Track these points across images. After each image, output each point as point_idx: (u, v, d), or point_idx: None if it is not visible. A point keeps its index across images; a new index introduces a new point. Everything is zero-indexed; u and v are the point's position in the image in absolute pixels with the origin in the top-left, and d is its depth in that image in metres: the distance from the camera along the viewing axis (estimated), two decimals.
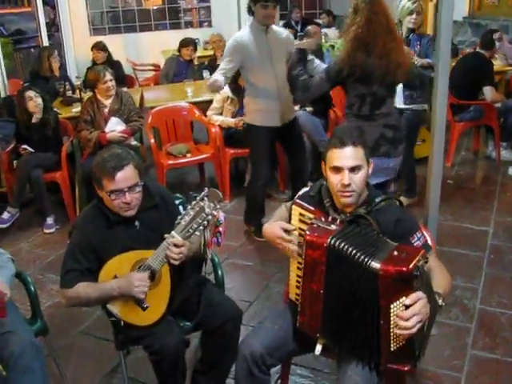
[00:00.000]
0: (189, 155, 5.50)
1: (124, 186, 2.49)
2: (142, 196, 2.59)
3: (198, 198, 2.45)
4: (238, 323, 2.72)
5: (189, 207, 2.46)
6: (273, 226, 2.39)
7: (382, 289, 1.98)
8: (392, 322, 1.99)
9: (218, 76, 4.22)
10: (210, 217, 2.44)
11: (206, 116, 5.65)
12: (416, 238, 2.27)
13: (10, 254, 2.91)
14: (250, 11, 4.23)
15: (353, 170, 2.25)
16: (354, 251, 2.05)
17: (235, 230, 4.74)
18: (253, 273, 4.19)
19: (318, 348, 2.32)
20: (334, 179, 2.28)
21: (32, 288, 2.96)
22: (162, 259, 2.50)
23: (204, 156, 5.56)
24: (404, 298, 1.95)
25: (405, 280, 1.95)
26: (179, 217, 2.48)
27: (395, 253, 2.03)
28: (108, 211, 2.58)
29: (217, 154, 5.48)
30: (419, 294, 1.96)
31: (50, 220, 5.05)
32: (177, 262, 2.49)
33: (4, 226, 5.00)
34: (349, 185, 2.24)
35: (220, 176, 5.54)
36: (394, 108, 3.69)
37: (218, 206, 2.49)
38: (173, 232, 2.47)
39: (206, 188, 2.50)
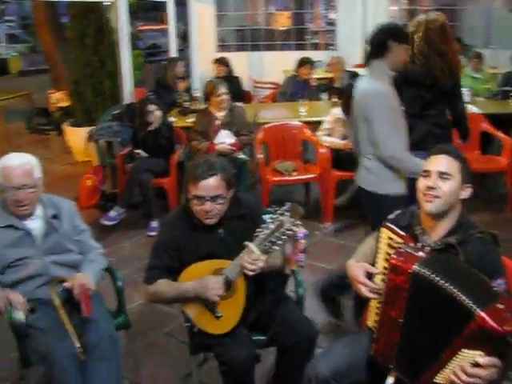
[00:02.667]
0: (295, 173, 5.49)
1: (206, 195, 2.52)
2: (226, 206, 2.61)
3: (278, 212, 2.43)
4: (313, 343, 2.66)
5: (268, 221, 2.44)
6: (357, 269, 2.30)
7: (467, 332, 1.85)
8: (452, 364, 1.88)
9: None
10: (289, 232, 2.41)
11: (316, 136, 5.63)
12: (496, 284, 2.10)
13: (102, 249, 3.05)
14: (382, 51, 3.20)
15: (441, 176, 2.21)
16: (443, 281, 1.93)
17: (331, 252, 4.66)
18: (343, 297, 4.08)
19: (390, 381, 2.21)
20: (421, 183, 2.24)
21: (120, 283, 3.07)
22: (239, 270, 2.50)
23: (310, 176, 5.53)
24: (480, 352, 1.83)
25: (494, 339, 1.81)
26: (258, 229, 2.47)
27: (500, 306, 1.86)
28: (192, 215, 2.63)
29: (323, 175, 5.43)
30: (496, 361, 1.82)
31: (154, 223, 5.21)
32: (251, 273, 2.48)
33: (110, 223, 5.23)
34: (434, 188, 2.18)
35: (324, 197, 5.48)
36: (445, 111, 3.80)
37: (299, 222, 2.45)
38: (250, 244, 2.47)
39: (288, 203, 2.48)
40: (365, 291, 2.24)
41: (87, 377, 2.54)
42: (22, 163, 2.72)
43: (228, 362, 2.48)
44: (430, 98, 3.67)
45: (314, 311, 3.00)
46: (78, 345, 2.53)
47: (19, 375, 3.09)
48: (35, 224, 2.82)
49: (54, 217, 2.87)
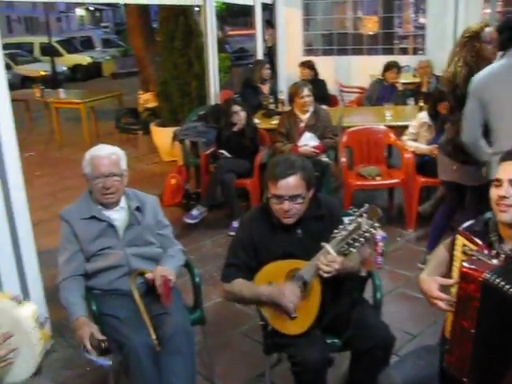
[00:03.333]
0: (378, 178, 5.38)
1: (285, 194, 2.50)
2: (305, 206, 2.58)
3: (356, 214, 2.38)
4: (389, 350, 2.58)
5: (346, 222, 2.40)
6: (429, 283, 2.19)
7: None
8: None
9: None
10: (366, 234, 2.36)
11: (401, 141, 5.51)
12: None
13: (181, 246, 3.10)
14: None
15: None
16: None
17: (412, 259, 4.52)
18: (423, 307, 3.91)
19: None
20: (494, 193, 2.14)
21: (197, 279, 3.10)
22: (315, 271, 2.47)
23: (393, 181, 5.40)
24: None
25: None
26: (335, 231, 2.43)
27: None
28: (271, 214, 2.62)
29: (407, 181, 5.29)
30: None
31: (235, 223, 5.23)
32: (326, 275, 2.44)
33: (192, 221, 5.30)
34: (506, 198, 2.08)
35: (407, 203, 5.34)
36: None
37: (377, 224, 2.39)
38: (327, 245, 2.43)
39: (367, 204, 2.42)
40: (442, 305, 2.14)
41: (161, 369, 2.58)
42: (110, 153, 2.86)
43: (300, 363, 2.45)
44: None
45: (392, 317, 2.91)
46: (154, 336, 2.58)
47: None
48: (119, 215, 2.92)
49: (138, 209, 2.96)
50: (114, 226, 2.87)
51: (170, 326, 2.65)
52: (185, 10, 7.49)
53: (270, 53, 11.05)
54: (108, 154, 2.85)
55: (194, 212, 5.33)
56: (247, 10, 10.11)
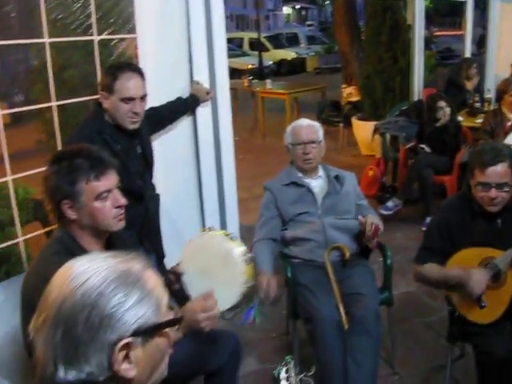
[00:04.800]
0: None
1: (492, 181, 2.46)
2: (510, 195, 2.53)
3: None
4: None
5: None
6: None
7: None
8: None
9: None
10: None
11: None
12: None
13: None
14: None
15: None
16: None
17: None
18: None
19: None
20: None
21: (389, 261, 3.14)
22: (511, 262, 2.41)
23: None
24: None
25: None
26: None
27: None
28: (472, 202, 2.60)
29: None
30: None
31: (429, 219, 5.17)
32: None
33: (386, 213, 5.33)
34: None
35: None
36: None
37: None
38: None
39: None
40: None
41: (348, 346, 2.66)
42: (310, 124, 3.16)
43: (486, 352, 2.42)
44: None
45: None
46: (343, 314, 2.68)
47: (285, 329, 3.40)
48: (317, 183, 3.13)
49: (337, 178, 3.14)
50: (313, 193, 3.06)
51: (361, 308, 2.73)
52: (392, 5, 7.49)
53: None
54: (308, 124, 3.14)
55: (390, 204, 5.37)
56: (456, 10, 9.77)
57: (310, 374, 1.78)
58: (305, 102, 10.81)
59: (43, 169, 1.97)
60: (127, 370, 1.04)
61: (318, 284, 2.84)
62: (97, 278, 1.03)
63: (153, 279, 1.11)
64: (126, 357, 1.03)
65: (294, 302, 2.95)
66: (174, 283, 2.17)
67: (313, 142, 3.07)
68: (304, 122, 3.19)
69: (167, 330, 1.11)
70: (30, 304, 1.58)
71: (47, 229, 2.86)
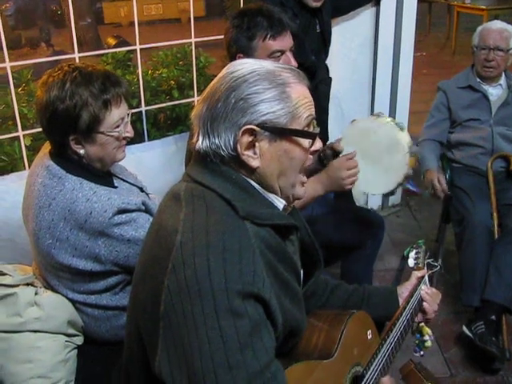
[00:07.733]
0: None
1: None
2: None
3: None
4: None
5: None
6: None
7: None
8: None
9: None
10: None
11: None
12: None
13: None
14: None
15: None
16: None
17: None
18: None
19: None
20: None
21: None
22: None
23: None
24: None
25: None
26: None
27: None
28: None
29: None
30: None
31: None
32: None
33: None
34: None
35: None
36: None
37: None
38: None
39: None
40: None
41: (493, 255, 2.59)
42: (502, 29, 2.89)
43: None
44: None
45: None
46: (496, 222, 2.63)
47: (435, 237, 3.37)
48: (496, 91, 2.96)
49: None
50: (489, 100, 2.91)
51: None
52: None
53: None
54: (499, 29, 2.89)
55: None
56: None
57: (438, 263, 1.79)
58: (507, 22, 9.95)
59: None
60: (250, 157, 1.13)
61: (476, 190, 2.79)
62: (247, 69, 1.14)
63: (301, 93, 1.16)
64: (253, 146, 1.13)
65: (448, 204, 2.93)
66: (330, 159, 2.22)
67: (499, 50, 2.84)
68: (496, 24, 2.94)
69: (299, 139, 1.16)
70: None
71: None
